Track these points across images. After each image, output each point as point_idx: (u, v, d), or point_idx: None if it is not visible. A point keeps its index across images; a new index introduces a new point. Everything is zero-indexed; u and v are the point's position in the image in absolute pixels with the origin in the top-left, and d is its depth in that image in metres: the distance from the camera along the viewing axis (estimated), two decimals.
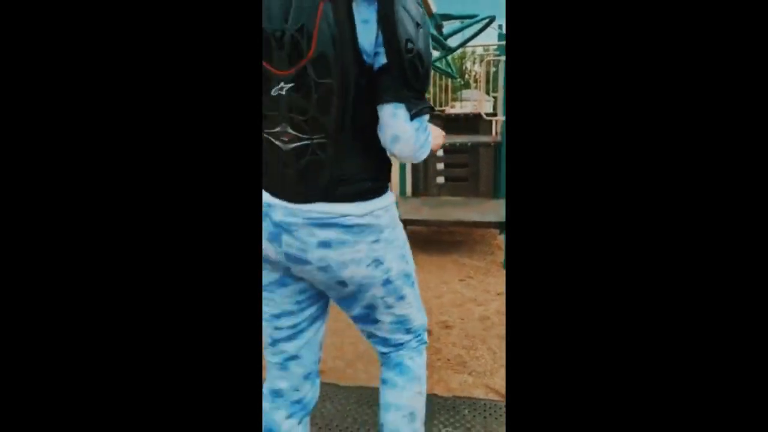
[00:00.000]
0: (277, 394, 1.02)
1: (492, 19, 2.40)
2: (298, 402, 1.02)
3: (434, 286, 3.52)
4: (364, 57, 0.82)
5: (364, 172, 0.88)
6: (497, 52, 5.15)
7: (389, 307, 0.99)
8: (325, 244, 0.87)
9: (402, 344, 1.06)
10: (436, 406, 1.52)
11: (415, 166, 5.46)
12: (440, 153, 5.46)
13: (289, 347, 1.00)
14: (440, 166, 5.50)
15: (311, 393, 1.04)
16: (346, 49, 0.80)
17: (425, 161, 5.48)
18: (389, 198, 0.94)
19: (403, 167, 5.23)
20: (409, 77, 0.81)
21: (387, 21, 0.78)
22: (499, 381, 2.29)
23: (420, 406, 1.05)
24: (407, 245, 1.03)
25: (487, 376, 2.37)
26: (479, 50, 6.20)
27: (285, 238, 0.89)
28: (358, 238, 0.88)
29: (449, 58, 2.52)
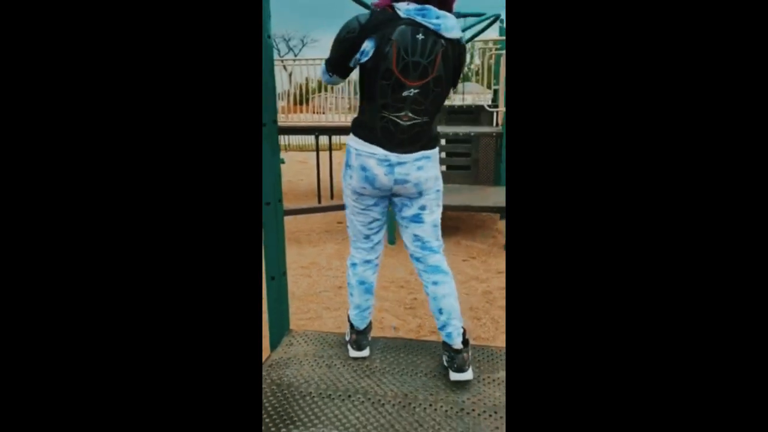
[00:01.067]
0: (368, 262, 1.79)
1: (497, 18, 2.64)
2: (376, 265, 1.82)
3: None
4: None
5: (433, 134, 1.61)
6: (498, 46, 5.39)
7: (432, 211, 1.67)
8: (419, 168, 1.57)
9: (434, 249, 1.70)
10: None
11: None
12: (443, 143, 5.73)
13: (376, 237, 1.77)
14: (443, 155, 5.77)
15: (380, 262, 1.84)
16: (449, 72, 1.50)
17: None
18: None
19: None
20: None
21: (461, 56, 1.53)
22: (500, 344, 2.56)
23: (457, 293, 1.71)
24: None
25: (490, 341, 2.64)
26: (478, 44, 6.43)
27: (398, 168, 1.55)
28: (431, 164, 1.60)
29: None
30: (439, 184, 1.66)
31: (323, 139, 6.18)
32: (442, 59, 1.45)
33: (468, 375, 1.61)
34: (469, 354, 1.65)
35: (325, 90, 9.11)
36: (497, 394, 1.56)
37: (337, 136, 6.42)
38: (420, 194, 1.62)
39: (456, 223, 5.11)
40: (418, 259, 1.72)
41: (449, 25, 1.44)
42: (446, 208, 4.60)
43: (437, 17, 1.42)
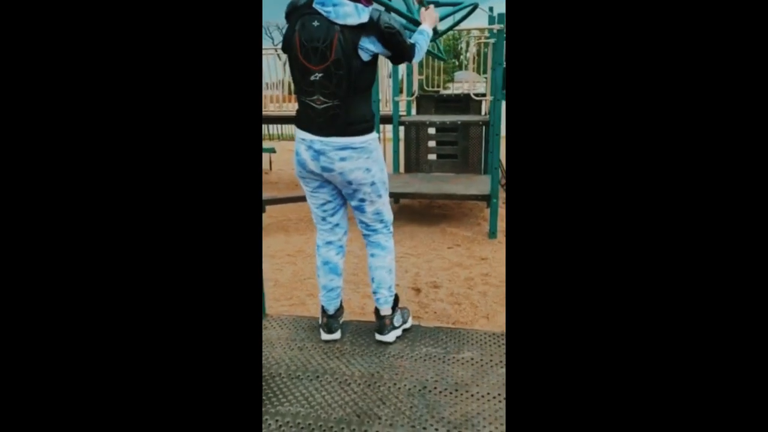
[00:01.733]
0: (330, 243, 1.90)
1: (475, 6, 2.66)
2: (341, 247, 1.93)
3: (425, 253, 3.82)
4: (362, 56, 1.59)
5: (360, 119, 1.66)
6: (487, 35, 5.40)
7: (372, 201, 1.79)
8: (342, 159, 1.66)
9: (377, 230, 1.88)
10: (419, 333, 1.88)
11: (408, 145, 5.74)
12: (432, 131, 5.75)
13: (333, 219, 1.88)
14: (432, 143, 5.79)
15: (345, 243, 1.94)
16: (349, 54, 1.57)
17: (417, 140, 5.76)
18: (375, 134, 1.73)
19: (396, 148, 5.48)
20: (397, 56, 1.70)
21: (383, 35, 1.58)
22: (479, 328, 2.62)
23: (392, 267, 1.90)
24: (385, 164, 1.81)
25: (468, 325, 2.69)
26: (475, 32, 6.42)
27: (322, 158, 1.67)
28: (359, 155, 1.68)
29: (438, 41, 2.77)
30: (374, 176, 1.72)
31: None
32: (339, 44, 1.55)
33: (386, 337, 1.85)
34: (392, 321, 1.88)
35: None
36: (460, 373, 1.61)
37: None
38: (350, 185, 1.72)
39: (443, 210, 5.15)
40: (365, 236, 1.92)
41: (341, 13, 1.55)
42: (433, 197, 4.66)
43: (333, 5, 1.55)
